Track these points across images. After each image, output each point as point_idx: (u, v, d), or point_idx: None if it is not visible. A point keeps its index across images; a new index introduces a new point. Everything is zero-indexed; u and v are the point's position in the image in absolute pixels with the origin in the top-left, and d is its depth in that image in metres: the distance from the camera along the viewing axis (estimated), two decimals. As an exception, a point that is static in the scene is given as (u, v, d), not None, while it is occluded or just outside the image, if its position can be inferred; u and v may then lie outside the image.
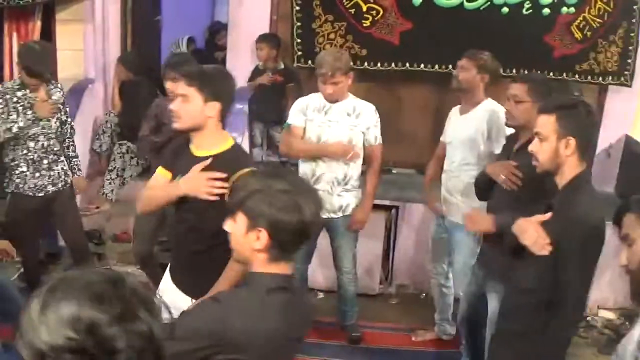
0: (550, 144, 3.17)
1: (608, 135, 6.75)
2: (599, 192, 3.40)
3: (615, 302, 6.03)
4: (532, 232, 3.14)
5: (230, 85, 3.41)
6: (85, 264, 4.79)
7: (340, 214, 5.02)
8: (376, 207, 5.66)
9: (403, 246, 6.29)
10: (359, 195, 5.08)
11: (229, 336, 2.11)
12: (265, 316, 2.17)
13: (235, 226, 2.27)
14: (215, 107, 3.24)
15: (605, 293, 5.92)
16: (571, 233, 3.06)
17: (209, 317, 2.17)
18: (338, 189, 4.97)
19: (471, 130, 4.84)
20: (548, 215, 3.15)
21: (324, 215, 4.85)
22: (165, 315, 1.44)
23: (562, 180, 3.21)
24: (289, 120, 5.08)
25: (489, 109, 4.80)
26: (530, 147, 3.28)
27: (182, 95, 3.26)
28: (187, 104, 3.23)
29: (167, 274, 3.56)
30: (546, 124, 3.20)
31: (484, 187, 4.27)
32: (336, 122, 4.90)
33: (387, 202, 6.10)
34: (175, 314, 2.42)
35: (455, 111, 5.10)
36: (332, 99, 4.87)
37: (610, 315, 6.15)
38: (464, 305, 4.59)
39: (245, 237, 2.24)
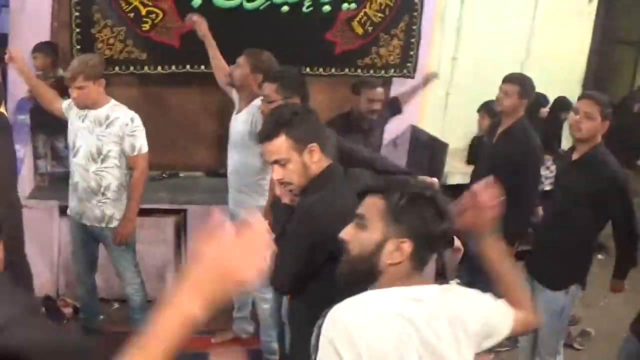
0: (295, 164, 3.14)
1: (394, 126, 7.32)
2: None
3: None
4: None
5: None
6: None
7: (104, 225, 5.11)
8: (164, 212, 5.96)
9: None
10: (123, 208, 5.12)
11: None
12: None
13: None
14: None
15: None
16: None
17: None
18: (95, 198, 5.03)
19: (242, 129, 5.12)
20: None
21: (88, 223, 5.10)
22: None
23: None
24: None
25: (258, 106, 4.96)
26: (275, 176, 3.22)
27: None
28: None
29: None
30: (281, 147, 3.13)
31: None
32: (86, 130, 4.97)
33: (175, 207, 6.30)
34: None
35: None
36: (79, 104, 4.93)
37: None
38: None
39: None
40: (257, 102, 4.97)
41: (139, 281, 5.42)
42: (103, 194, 5.03)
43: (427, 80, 7.40)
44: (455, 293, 2.43)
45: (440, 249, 2.58)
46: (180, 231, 6.43)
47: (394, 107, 7.10)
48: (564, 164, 5.03)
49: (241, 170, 5.23)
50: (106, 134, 4.94)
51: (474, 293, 2.48)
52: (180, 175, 6.97)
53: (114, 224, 5.11)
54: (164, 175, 6.69)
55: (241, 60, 5.16)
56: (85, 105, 4.95)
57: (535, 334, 5.06)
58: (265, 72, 4.97)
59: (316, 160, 3.14)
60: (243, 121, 5.13)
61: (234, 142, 5.23)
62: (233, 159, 5.30)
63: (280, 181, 3.18)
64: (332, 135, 3.83)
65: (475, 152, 7.13)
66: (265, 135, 3.16)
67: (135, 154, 5.01)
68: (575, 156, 4.73)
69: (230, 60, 5.41)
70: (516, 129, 5.48)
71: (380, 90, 6.29)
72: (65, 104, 5.20)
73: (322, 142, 3.18)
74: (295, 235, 3.14)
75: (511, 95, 5.41)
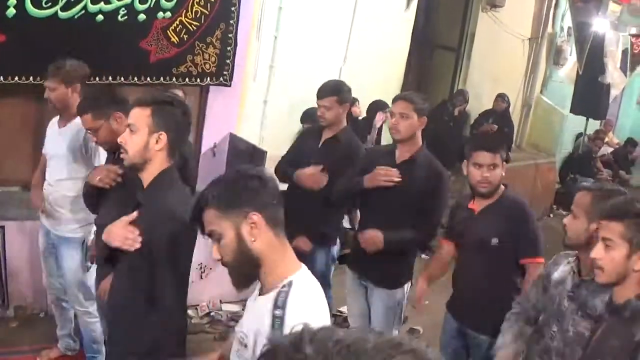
0: (141, 137, 3.50)
1: (212, 134, 7.80)
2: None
3: (238, 295, 7.01)
4: (117, 232, 3.53)
5: None
6: None
7: None
8: None
9: (15, 266, 6.59)
10: None
11: None
12: None
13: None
14: None
15: (226, 288, 6.89)
16: (161, 228, 3.44)
17: None
18: None
19: (66, 145, 5.37)
20: (135, 214, 3.53)
21: None
22: None
23: (148, 176, 3.57)
24: None
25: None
26: (120, 139, 3.58)
27: None
28: None
29: None
30: (140, 117, 3.51)
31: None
32: None
33: None
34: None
35: (53, 123, 5.57)
36: None
37: (234, 307, 7.11)
38: None
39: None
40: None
41: None
42: None
43: None
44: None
45: None
46: (-1, 249, 6.58)
47: None
48: (383, 163, 5.33)
49: (59, 184, 5.49)
50: None
51: None
52: (-5, 190, 7.00)
53: None
54: None
55: (50, 83, 5.37)
56: None
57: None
58: (80, 82, 5.37)
59: (158, 149, 3.53)
60: (70, 133, 5.36)
61: (57, 154, 5.46)
62: (53, 172, 5.52)
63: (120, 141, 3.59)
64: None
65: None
66: (138, 100, 3.70)
67: None
68: (400, 157, 5.25)
69: (46, 69, 5.51)
70: (342, 138, 5.92)
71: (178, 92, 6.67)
72: None
73: (173, 138, 3.59)
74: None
75: (331, 107, 5.79)
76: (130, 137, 3.51)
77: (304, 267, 2.87)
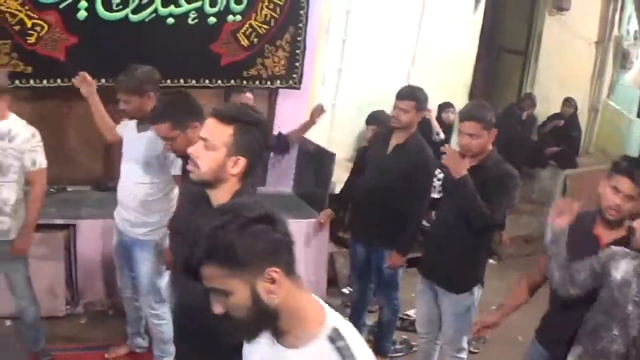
0: (218, 157, 3.15)
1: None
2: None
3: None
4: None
5: None
6: None
7: (2, 238, 5.29)
8: (52, 227, 6.20)
9: (86, 264, 6.71)
10: (21, 221, 5.34)
11: None
12: None
13: None
14: None
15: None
16: None
17: None
18: None
19: (144, 150, 5.35)
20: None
21: None
22: None
23: (219, 195, 3.22)
24: None
25: None
26: (191, 151, 3.22)
27: None
28: None
29: None
30: (220, 134, 3.15)
31: None
32: None
33: (61, 222, 6.51)
34: None
35: (130, 127, 5.51)
36: None
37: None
38: None
39: None
40: None
41: (32, 295, 5.62)
42: (0, 209, 5.24)
43: (316, 114, 7.48)
44: None
45: None
46: (70, 247, 6.67)
47: (282, 143, 7.57)
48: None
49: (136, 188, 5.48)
50: (8, 148, 5.14)
51: None
52: (68, 189, 7.20)
53: (11, 237, 5.33)
54: (51, 189, 6.74)
55: (123, 96, 5.34)
56: None
57: (434, 335, 5.61)
58: (152, 86, 5.35)
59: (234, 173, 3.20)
60: (153, 139, 5.22)
61: (136, 158, 5.43)
62: (127, 173, 5.53)
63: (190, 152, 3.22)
64: None
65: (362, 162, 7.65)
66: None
67: (35, 169, 5.27)
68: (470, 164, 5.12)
69: (118, 71, 5.50)
70: (413, 144, 5.88)
71: (248, 95, 6.79)
72: None
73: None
74: None
75: (408, 111, 5.79)
76: (205, 152, 3.16)
77: (326, 305, 2.44)
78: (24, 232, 5.38)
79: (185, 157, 4.00)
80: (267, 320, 2.29)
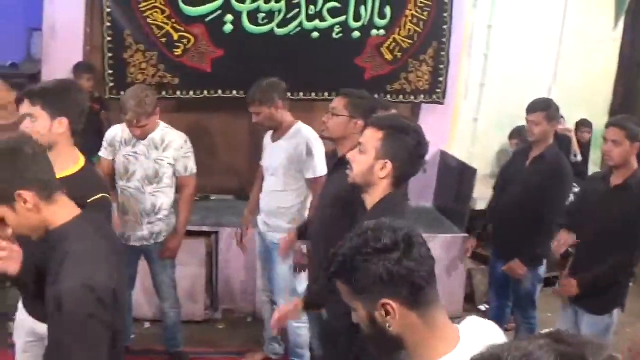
0: (367, 160, 3.34)
1: None
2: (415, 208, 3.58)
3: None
4: None
5: (76, 97, 3.62)
6: None
7: (152, 241, 5.49)
8: (195, 233, 6.35)
9: (226, 271, 6.91)
10: (172, 224, 5.58)
11: None
12: None
13: None
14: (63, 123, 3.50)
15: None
16: None
17: None
18: (147, 219, 5.41)
19: (281, 159, 5.48)
20: None
21: (137, 244, 5.46)
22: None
23: (371, 199, 3.40)
24: (100, 152, 5.54)
25: (301, 135, 5.43)
26: (350, 155, 3.47)
27: (29, 115, 3.46)
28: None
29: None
30: (371, 138, 3.34)
31: None
32: (143, 155, 5.36)
33: (205, 229, 6.70)
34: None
35: (268, 137, 5.68)
36: (142, 138, 5.30)
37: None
38: None
39: None
40: (298, 127, 5.49)
41: (175, 297, 5.82)
42: (156, 214, 5.44)
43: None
44: None
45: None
46: (212, 253, 6.85)
47: None
48: (599, 188, 5.28)
49: (276, 196, 5.61)
50: (163, 157, 5.36)
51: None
52: (212, 198, 7.43)
53: (161, 239, 5.53)
54: (196, 198, 6.60)
55: (252, 109, 5.47)
56: (145, 136, 5.33)
57: None
58: (282, 99, 5.48)
59: (382, 177, 3.35)
60: (287, 147, 5.46)
61: (273, 167, 5.57)
62: (269, 182, 5.65)
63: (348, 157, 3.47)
64: None
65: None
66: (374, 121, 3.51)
67: (187, 174, 5.49)
68: (614, 182, 5.10)
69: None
70: (549, 155, 5.83)
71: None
72: (105, 143, 5.55)
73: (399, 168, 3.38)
74: None
75: (539, 123, 5.74)
76: (358, 156, 3.40)
77: (460, 343, 2.19)
78: (176, 235, 5.60)
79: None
80: (389, 344, 2.21)
